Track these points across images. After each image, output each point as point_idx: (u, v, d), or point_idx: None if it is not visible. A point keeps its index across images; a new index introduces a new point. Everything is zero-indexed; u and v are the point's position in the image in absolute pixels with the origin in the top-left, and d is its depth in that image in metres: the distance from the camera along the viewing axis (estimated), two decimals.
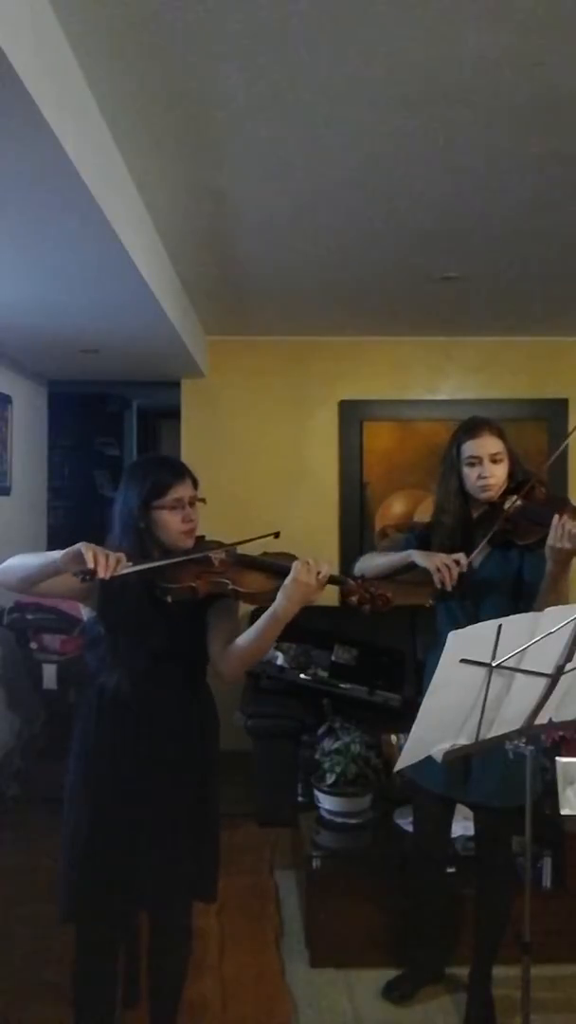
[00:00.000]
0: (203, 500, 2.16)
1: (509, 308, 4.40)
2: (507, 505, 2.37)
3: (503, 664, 1.85)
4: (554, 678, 1.92)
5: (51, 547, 5.94)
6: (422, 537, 2.57)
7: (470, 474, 2.44)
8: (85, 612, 2.18)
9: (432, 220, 3.02)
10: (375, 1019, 2.63)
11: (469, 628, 1.85)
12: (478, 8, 1.76)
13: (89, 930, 2.13)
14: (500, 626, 1.81)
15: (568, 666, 1.92)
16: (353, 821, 3.22)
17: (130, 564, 1.84)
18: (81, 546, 1.80)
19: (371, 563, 2.60)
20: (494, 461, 2.41)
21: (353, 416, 5.11)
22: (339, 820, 3.22)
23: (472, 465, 2.43)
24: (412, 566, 2.48)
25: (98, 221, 2.28)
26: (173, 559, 2.03)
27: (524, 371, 5.09)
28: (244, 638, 2.04)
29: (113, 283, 2.95)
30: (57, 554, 1.86)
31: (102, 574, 1.77)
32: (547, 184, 2.68)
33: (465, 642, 1.82)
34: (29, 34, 1.61)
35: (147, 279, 2.91)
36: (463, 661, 1.82)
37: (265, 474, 5.07)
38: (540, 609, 2.25)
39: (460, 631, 1.83)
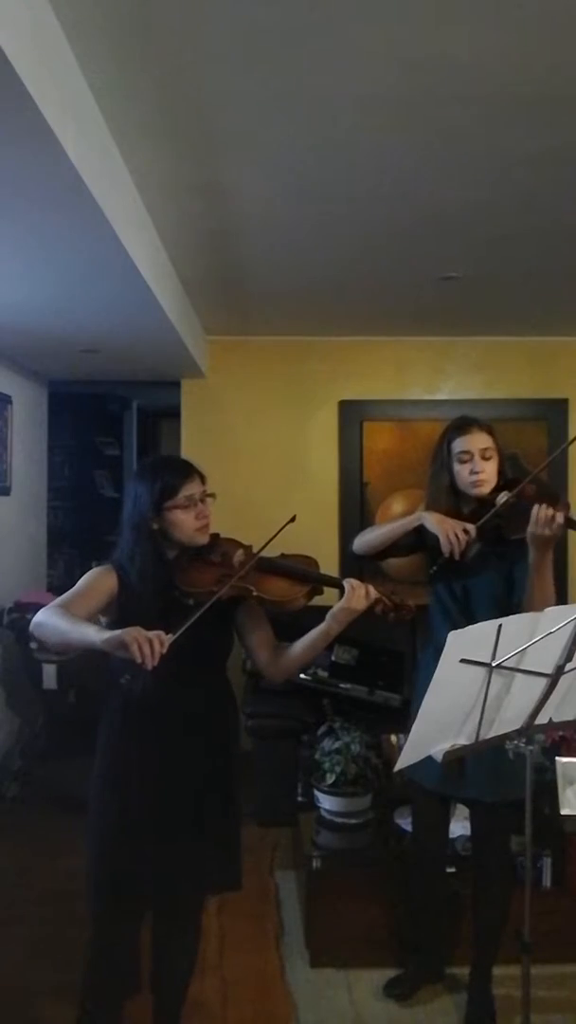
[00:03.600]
0: (213, 495, 2.17)
1: (509, 308, 4.40)
2: (499, 500, 2.39)
3: (503, 664, 1.85)
4: (554, 678, 1.92)
5: (51, 547, 5.91)
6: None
7: (461, 470, 2.46)
8: (105, 617, 2.17)
9: (432, 220, 3.02)
10: (375, 1019, 2.63)
11: (469, 628, 1.85)
12: (479, 7, 1.76)
13: (109, 925, 2.15)
14: (500, 626, 1.81)
15: (568, 666, 1.92)
16: (353, 821, 3.21)
17: (171, 635, 1.83)
18: (125, 637, 1.78)
19: (371, 534, 2.59)
20: (484, 457, 2.45)
21: (353, 416, 5.10)
22: (339, 820, 3.22)
23: (463, 461, 2.46)
24: (419, 531, 2.48)
25: (98, 221, 2.28)
26: (200, 611, 1.94)
27: (524, 371, 5.09)
28: (299, 652, 2.12)
29: (113, 283, 2.95)
30: (93, 631, 1.89)
31: (149, 667, 1.78)
32: (547, 184, 2.68)
33: (465, 642, 1.82)
34: (29, 34, 1.61)
35: (147, 279, 2.91)
36: (463, 661, 1.82)
37: (265, 474, 5.07)
38: (529, 603, 2.28)
39: (460, 631, 1.83)
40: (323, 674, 4.22)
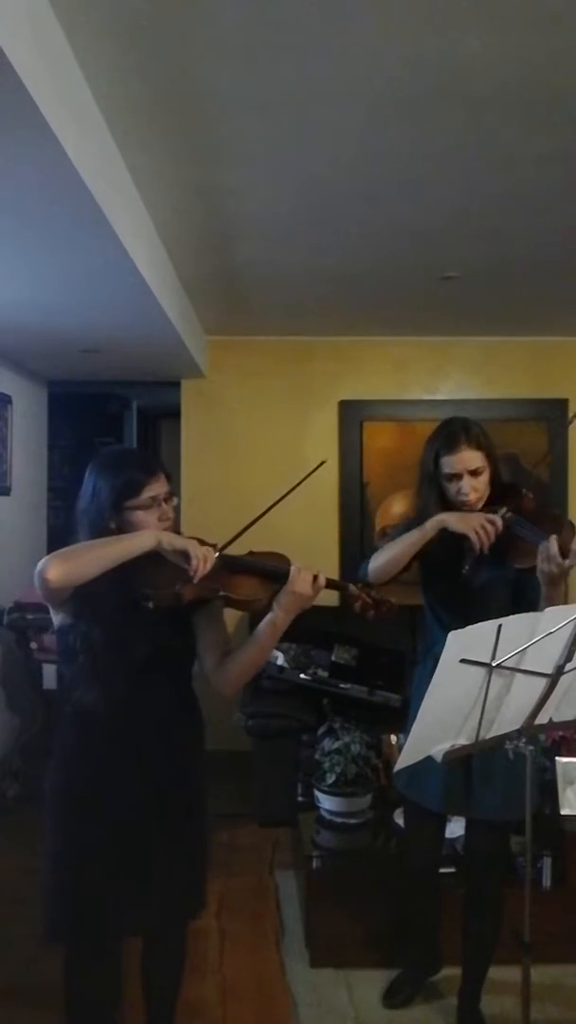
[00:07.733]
0: (175, 496, 2.03)
1: (509, 308, 4.40)
2: (501, 515, 2.28)
3: (503, 664, 1.85)
4: (554, 678, 1.92)
5: (51, 547, 5.92)
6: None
7: (450, 488, 2.35)
8: (56, 618, 1.98)
9: (432, 220, 3.02)
10: (375, 1019, 2.62)
11: (469, 628, 1.85)
12: (478, 8, 1.76)
13: (80, 956, 2.00)
14: (500, 626, 1.81)
15: (568, 666, 1.92)
16: (353, 821, 3.22)
17: (217, 551, 1.86)
18: (188, 546, 1.80)
19: (384, 558, 2.39)
20: (474, 475, 2.32)
21: (353, 416, 5.11)
22: (339, 820, 3.22)
23: (451, 480, 2.34)
24: (442, 534, 2.31)
25: (98, 221, 2.28)
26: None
27: (524, 371, 5.10)
28: (243, 653, 1.96)
29: (113, 283, 2.95)
30: (135, 540, 1.84)
31: (196, 580, 1.78)
32: (549, 184, 2.68)
33: (465, 642, 1.82)
34: (29, 34, 1.61)
35: (147, 279, 2.91)
36: (463, 661, 1.82)
37: (265, 474, 5.06)
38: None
39: (460, 631, 1.83)
40: (323, 674, 4.22)
